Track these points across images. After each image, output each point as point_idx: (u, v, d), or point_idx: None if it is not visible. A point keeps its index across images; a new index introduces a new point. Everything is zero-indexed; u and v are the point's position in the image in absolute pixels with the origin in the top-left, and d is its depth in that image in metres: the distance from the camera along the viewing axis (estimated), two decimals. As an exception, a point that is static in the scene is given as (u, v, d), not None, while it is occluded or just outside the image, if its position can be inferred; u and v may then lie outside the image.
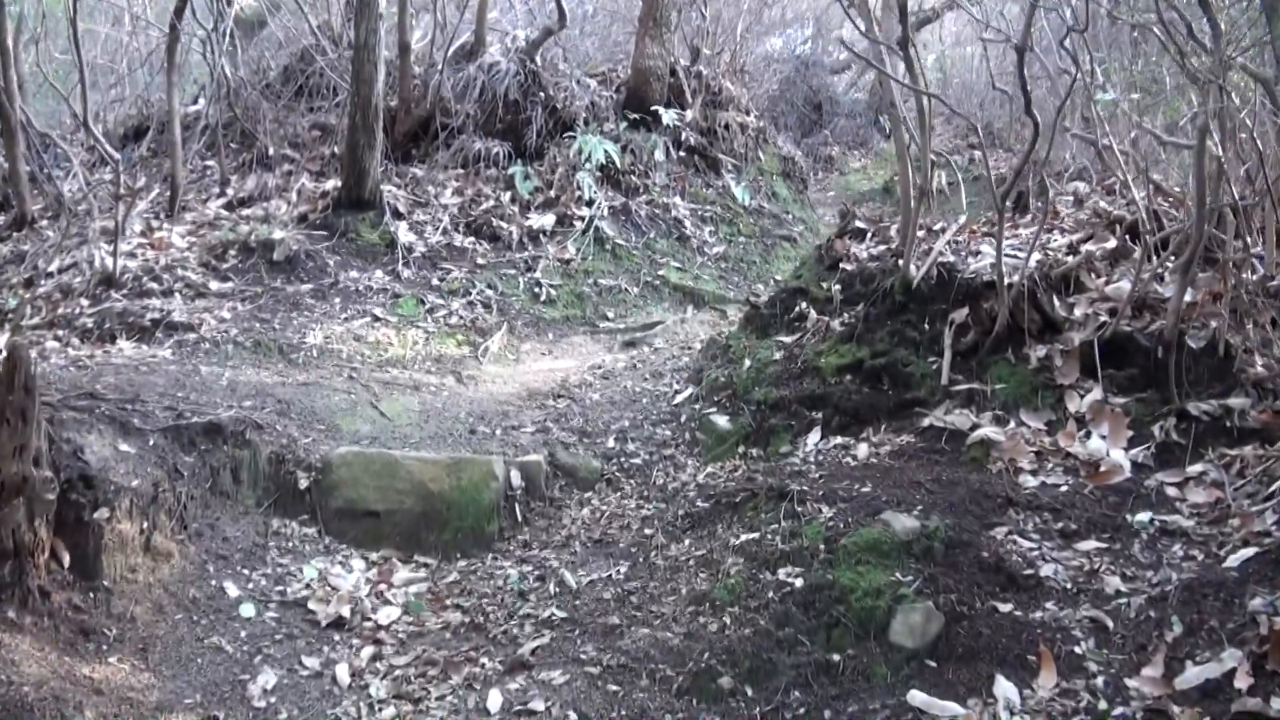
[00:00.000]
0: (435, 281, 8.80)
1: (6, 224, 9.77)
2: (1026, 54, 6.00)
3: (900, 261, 6.81)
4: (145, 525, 4.81)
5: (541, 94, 11.10)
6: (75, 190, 10.14)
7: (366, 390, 6.77)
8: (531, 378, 7.54)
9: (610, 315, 9.09)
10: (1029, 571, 4.41)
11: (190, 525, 5.08)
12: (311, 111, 11.83)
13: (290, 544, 5.32)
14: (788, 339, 6.94)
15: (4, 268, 8.71)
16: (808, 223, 12.14)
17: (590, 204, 10.40)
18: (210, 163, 11.01)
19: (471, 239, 9.70)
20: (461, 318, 8.28)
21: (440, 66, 10.81)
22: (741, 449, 6.13)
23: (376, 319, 7.98)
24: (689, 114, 11.84)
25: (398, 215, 9.67)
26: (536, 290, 9.09)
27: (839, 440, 6.02)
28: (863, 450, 5.85)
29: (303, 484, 5.55)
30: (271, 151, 11.03)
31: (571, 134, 10.89)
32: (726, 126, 12.19)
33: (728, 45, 13.27)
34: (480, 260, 9.33)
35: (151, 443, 5.21)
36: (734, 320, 9.05)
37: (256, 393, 6.29)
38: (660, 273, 9.85)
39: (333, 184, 10.04)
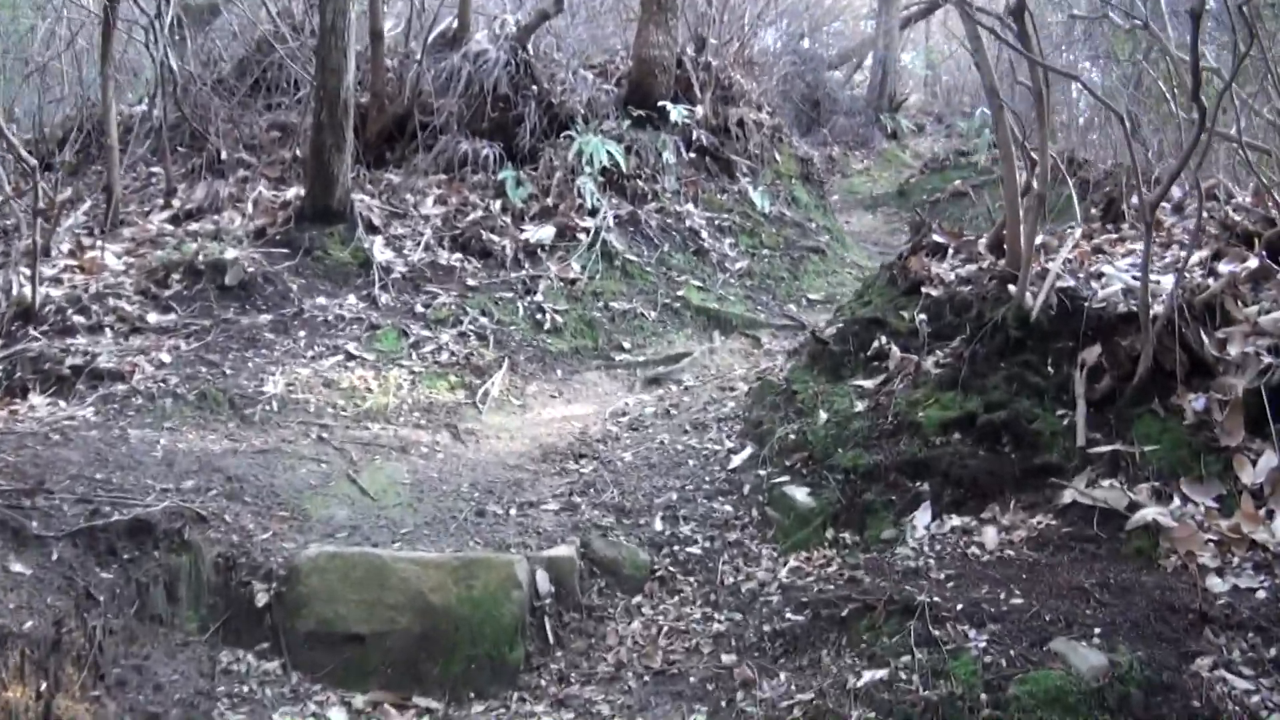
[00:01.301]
0: (419, 308, 7.39)
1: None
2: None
3: (1010, 286, 5.50)
4: (44, 686, 3.40)
5: (534, 87, 9.71)
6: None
7: (341, 455, 5.36)
8: (543, 430, 6.15)
9: (627, 345, 7.72)
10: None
11: (108, 673, 3.67)
12: (270, 109, 10.39)
13: (245, 688, 3.91)
14: (868, 384, 5.59)
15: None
16: (832, 231, 10.81)
17: (594, 213, 9.02)
18: (157, 169, 9.53)
19: (459, 256, 8.29)
20: (453, 353, 6.87)
21: (418, 56, 9.39)
22: (830, 532, 4.78)
23: (350, 357, 6.56)
24: (699, 110, 10.48)
25: (372, 229, 8.25)
26: (539, 317, 7.69)
27: (956, 521, 4.71)
28: (991, 537, 4.56)
29: (261, 599, 4.15)
30: (224, 155, 9.57)
31: (569, 133, 9.52)
32: (739, 124, 10.84)
33: (735, 34, 11.91)
34: (471, 281, 7.92)
35: (56, 556, 3.81)
36: (770, 349, 7.72)
37: (200, 466, 4.87)
38: (679, 293, 8.48)
39: (295, 192, 8.60)
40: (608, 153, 9.35)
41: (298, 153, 9.37)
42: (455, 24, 10.01)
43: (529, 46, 9.82)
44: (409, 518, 4.82)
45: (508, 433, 6.06)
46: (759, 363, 7.52)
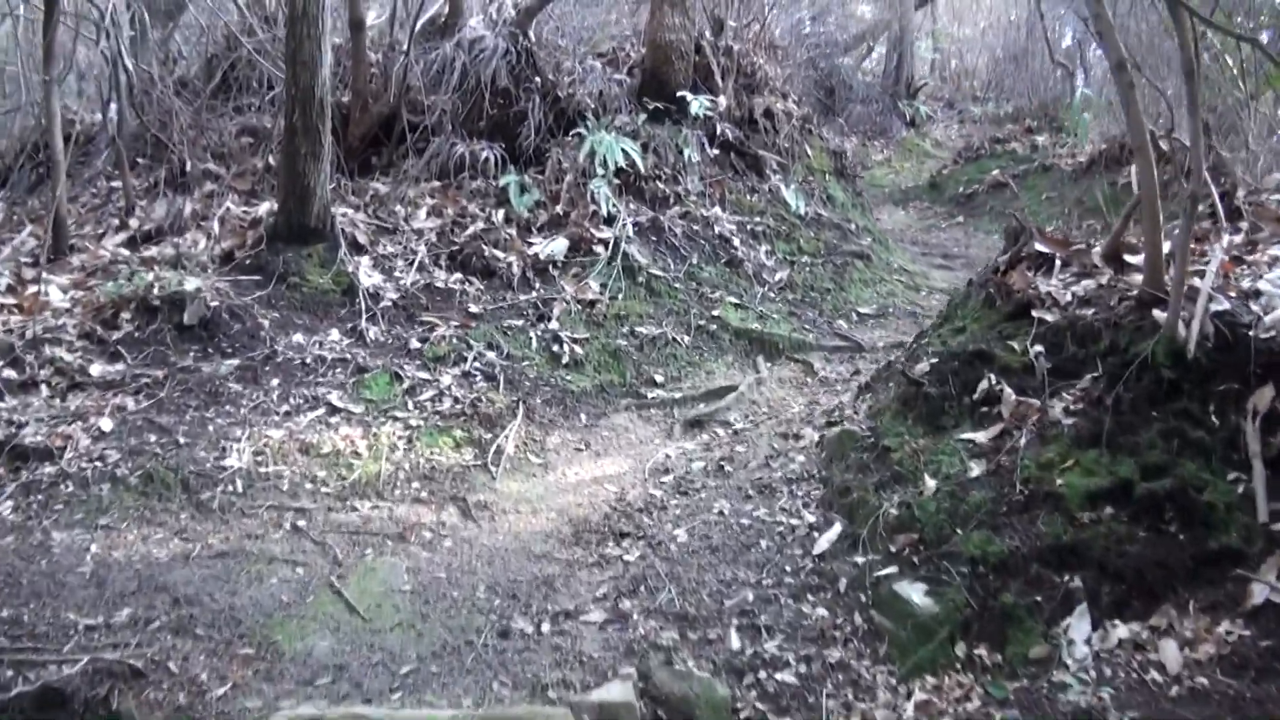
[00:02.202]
0: (414, 343, 6.26)
1: None
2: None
3: (1155, 312, 4.39)
4: None
5: (538, 79, 8.56)
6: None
7: (322, 553, 4.24)
8: (572, 498, 5.03)
9: (659, 379, 6.59)
10: None
11: None
12: (239, 113, 9.23)
13: None
14: (980, 437, 4.47)
15: None
16: (873, 233, 9.67)
17: (610, 222, 7.88)
18: (117, 184, 8.40)
19: (458, 277, 7.16)
20: (457, 400, 5.74)
21: (405, 47, 8.23)
22: (961, 648, 3.67)
23: (333, 411, 5.43)
24: (721, 100, 9.34)
25: (357, 248, 7.12)
26: (555, 349, 6.55)
27: (1123, 631, 3.66)
28: (1172, 654, 3.53)
29: (214, 792, 3.02)
30: (189, 167, 8.43)
31: (578, 131, 8.38)
32: (766, 114, 9.69)
33: (756, 14, 10.75)
34: (473, 307, 6.79)
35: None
36: (826, 377, 6.61)
37: (140, 585, 3.75)
38: (715, 312, 7.35)
39: (267, 207, 7.46)
40: (623, 151, 8.22)
41: (271, 161, 8.23)
42: (446, 9, 8.86)
43: (530, 33, 8.67)
44: (411, 646, 3.68)
45: (528, 503, 4.93)
46: (816, 396, 6.40)
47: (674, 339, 6.95)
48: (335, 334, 6.24)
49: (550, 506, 4.91)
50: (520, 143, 8.30)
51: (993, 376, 4.72)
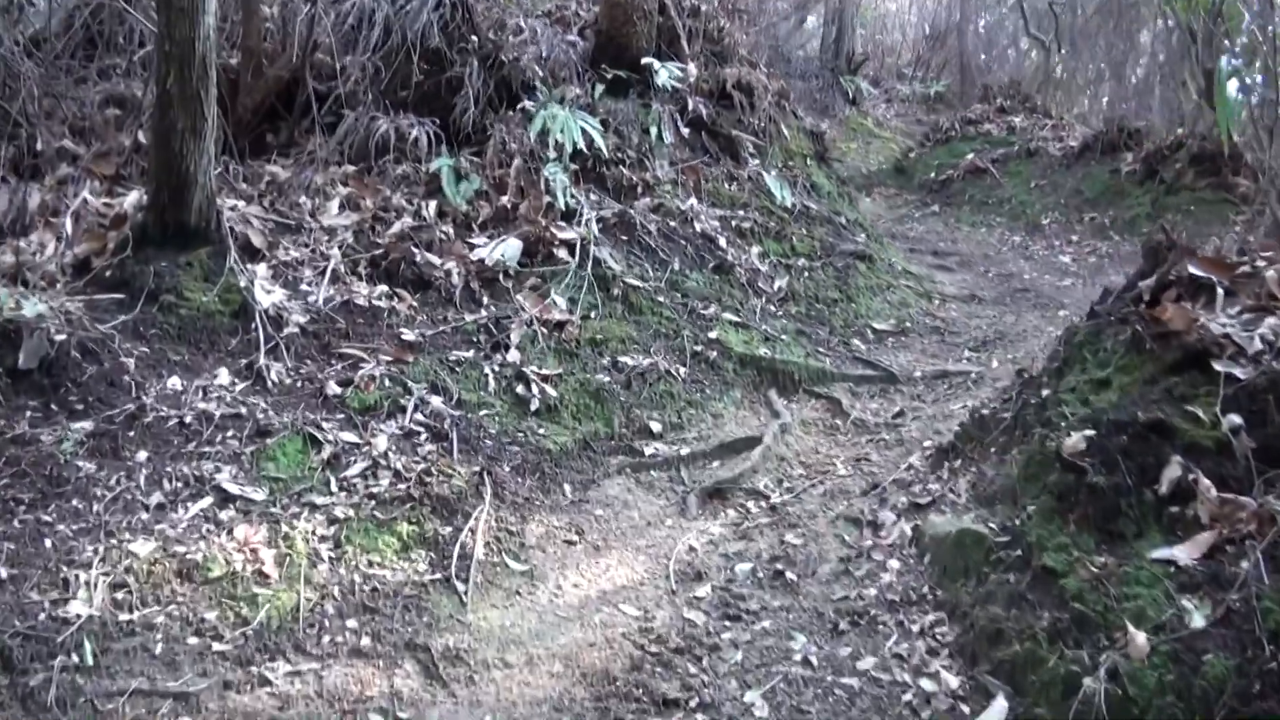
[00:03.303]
0: (333, 387, 4.66)
1: None
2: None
3: None
4: None
5: (475, 39, 6.94)
6: None
7: (219, 775, 2.66)
8: (579, 635, 3.52)
9: (656, 427, 5.09)
10: None
11: None
12: (104, 78, 7.41)
13: None
14: (1183, 555, 3.10)
15: None
16: (866, 228, 8.30)
17: (570, 217, 6.36)
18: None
19: (384, 290, 5.56)
20: (399, 474, 4.16)
21: (312, -4, 6.55)
22: None
23: (226, 499, 3.83)
24: (691, 69, 7.86)
25: (251, 253, 5.48)
26: (520, 390, 5.02)
27: None
28: None
29: None
30: (41, 145, 6.63)
31: (526, 104, 6.82)
32: (740, 88, 8.23)
33: (719, -29, 9.27)
34: (408, 333, 5.21)
35: None
36: (862, 419, 5.20)
37: None
38: (712, 334, 5.88)
39: (135, 198, 5.74)
40: (583, 129, 6.68)
41: (142, 138, 6.49)
42: (361, -49, 7.18)
43: (467, -17, 7.06)
44: None
45: (518, 647, 3.40)
46: (861, 448, 4.99)
47: (667, 371, 5.45)
48: (225, 376, 4.60)
49: (550, 651, 3.38)
50: (456, 118, 6.69)
51: (1173, 458, 3.34)
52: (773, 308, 6.44)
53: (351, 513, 3.88)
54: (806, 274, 6.94)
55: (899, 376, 5.87)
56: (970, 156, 11.49)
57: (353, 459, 4.20)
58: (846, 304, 6.81)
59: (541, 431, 4.79)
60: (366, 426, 4.42)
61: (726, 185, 7.49)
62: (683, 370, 5.52)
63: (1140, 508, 3.30)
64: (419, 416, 4.58)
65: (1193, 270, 3.98)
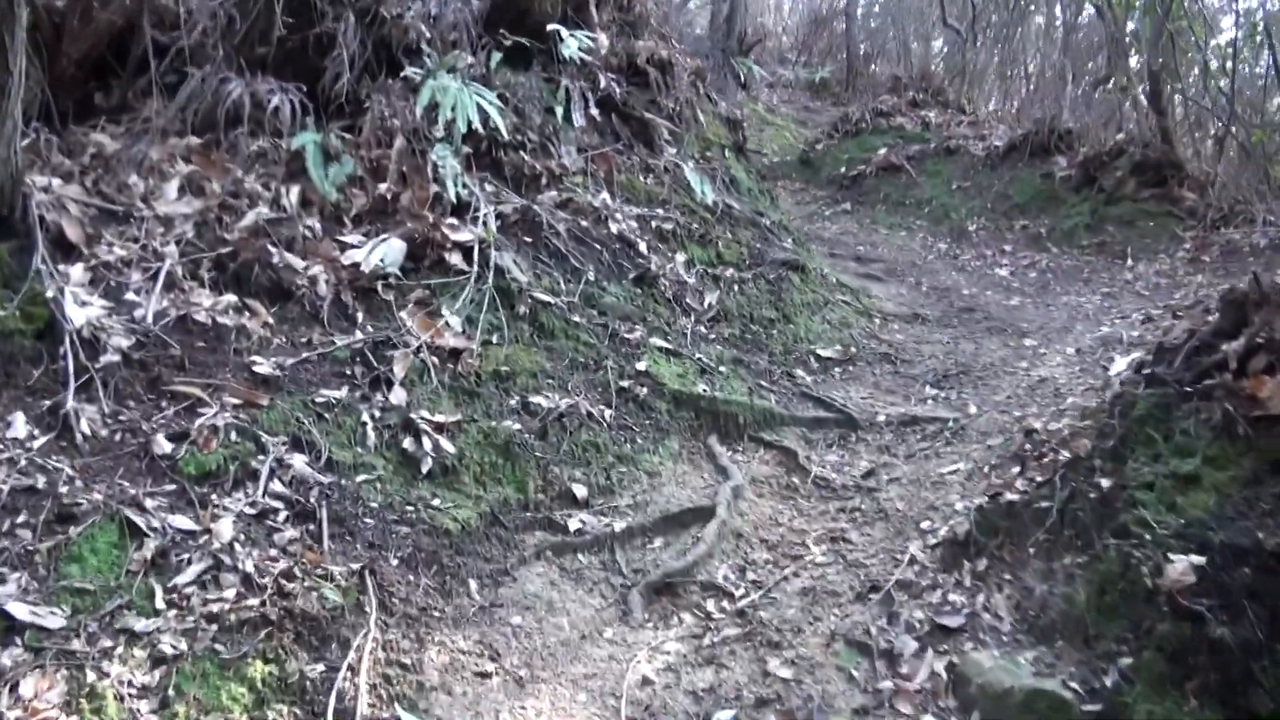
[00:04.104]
0: (162, 443, 3.46)
1: None
2: None
3: None
4: None
5: (351, -8, 5.72)
6: None
7: None
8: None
9: (581, 492, 4.03)
10: None
11: None
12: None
13: None
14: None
15: None
16: (793, 233, 7.36)
17: (463, 211, 5.24)
18: None
19: (231, 301, 4.33)
20: (250, 580, 3.01)
21: (145, -78, 5.22)
22: None
23: (12, 629, 2.63)
24: (602, 40, 6.78)
25: (64, 249, 4.20)
26: (408, 444, 3.89)
27: None
28: None
29: None
30: None
31: (410, 72, 5.64)
32: (654, 64, 7.18)
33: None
34: (262, 364, 4.02)
35: None
36: (823, 475, 4.27)
37: None
38: (640, 364, 4.84)
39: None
40: (479, 105, 5.55)
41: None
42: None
43: (340, -79, 5.80)
44: None
45: None
46: (832, 519, 4.03)
47: (590, 414, 4.38)
48: (20, 425, 3.35)
49: None
50: (325, 84, 5.47)
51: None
52: (704, 329, 5.43)
53: (184, 645, 2.72)
54: (737, 287, 5.94)
55: (858, 421, 4.92)
56: (883, 152, 10.65)
57: (186, 556, 3.02)
58: (784, 324, 5.84)
59: (437, 503, 3.67)
60: (205, 503, 3.24)
61: (642, 178, 6.44)
62: (608, 413, 4.46)
63: (1274, 672, 2.39)
64: (276, 486, 3.41)
65: (1289, 332, 3.11)
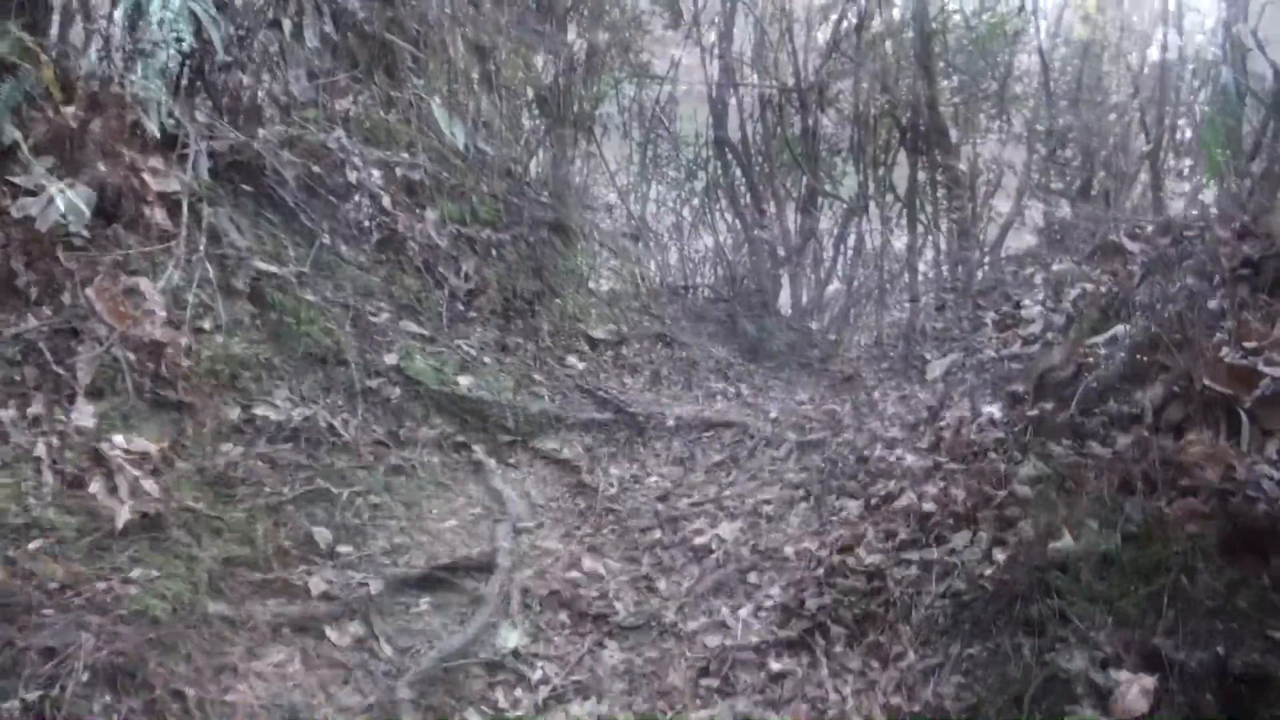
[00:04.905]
0: None
1: None
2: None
3: None
4: None
5: None
6: None
7: None
8: None
9: (325, 538, 3.20)
10: None
11: None
12: None
13: None
14: None
15: None
16: (549, 183, 6.59)
17: (170, 148, 4.20)
18: None
19: None
20: None
21: None
22: None
23: None
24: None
25: None
26: (97, 488, 2.93)
27: None
28: None
29: None
30: None
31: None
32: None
33: None
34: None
35: None
36: (606, 491, 3.68)
37: None
38: (389, 357, 4.01)
39: None
40: (190, 12, 4.47)
41: None
42: None
43: None
44: None
45: None
46: (625, 553, 3.41)
47: (331, 427, 3.54)
48: None
49: None
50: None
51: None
52: (461, 306, 4.64)
53: None
54: (496, 253, 5.16)
55: (640, 420, 4.31)
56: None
57: None
58: (550, 300, 5.12)
59: (137, 574, 2.76)
60: None
61: (383, 113, 5.50)
62: (353, 423, 3.63)
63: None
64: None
65: (1210, 384, 2.69)
